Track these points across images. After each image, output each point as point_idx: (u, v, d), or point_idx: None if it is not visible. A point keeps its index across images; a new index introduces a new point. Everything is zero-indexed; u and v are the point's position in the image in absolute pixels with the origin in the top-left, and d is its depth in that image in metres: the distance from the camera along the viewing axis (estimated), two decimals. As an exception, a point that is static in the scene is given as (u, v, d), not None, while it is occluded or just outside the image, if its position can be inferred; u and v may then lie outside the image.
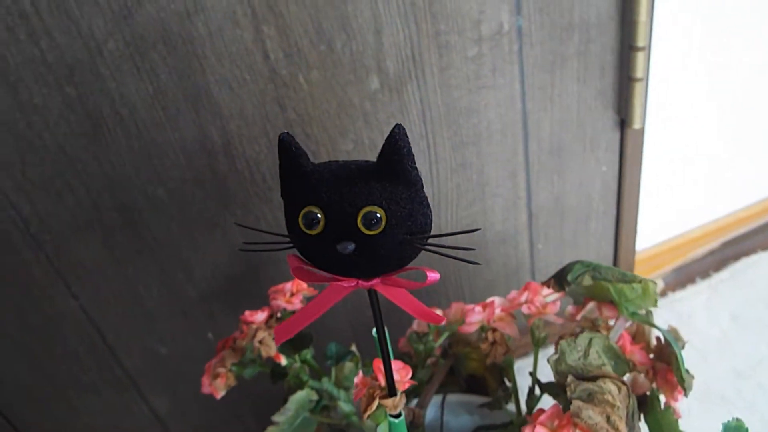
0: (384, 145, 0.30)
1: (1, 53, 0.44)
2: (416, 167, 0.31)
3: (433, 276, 0.32)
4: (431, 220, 0.33)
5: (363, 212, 0.30)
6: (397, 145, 0.30)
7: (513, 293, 0.48)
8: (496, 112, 0.63)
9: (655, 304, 0.43)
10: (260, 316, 0.45)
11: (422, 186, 0.32)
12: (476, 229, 0.33)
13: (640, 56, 0.60)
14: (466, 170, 0.65)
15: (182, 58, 0.49)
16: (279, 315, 0.46)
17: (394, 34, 0.54)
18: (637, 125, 0.64)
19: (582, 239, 0.78)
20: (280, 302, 0.44)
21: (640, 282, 0.42)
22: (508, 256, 0.73)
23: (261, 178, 0.57)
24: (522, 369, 0.52)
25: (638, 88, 0.62)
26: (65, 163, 0.50)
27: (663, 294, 0.91)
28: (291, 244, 0.32)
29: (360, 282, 0.32)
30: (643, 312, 0.45)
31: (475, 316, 0.47)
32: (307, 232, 0.30)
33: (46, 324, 0.57)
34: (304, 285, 0.46)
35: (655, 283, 0.42)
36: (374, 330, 0.35)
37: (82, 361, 0.61)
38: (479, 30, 0.57)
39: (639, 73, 0.61)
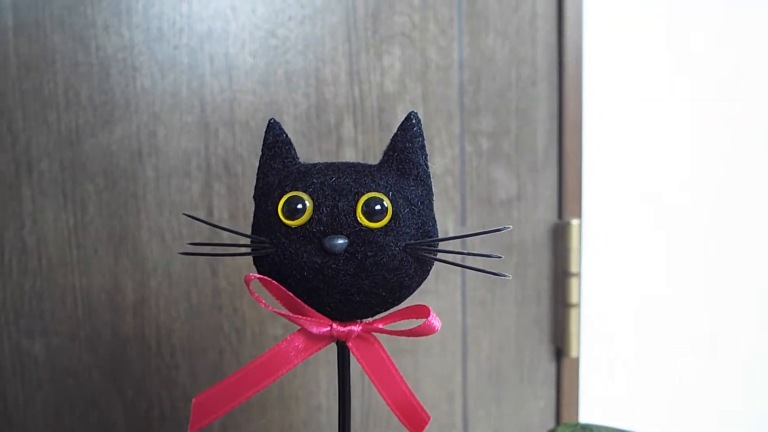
0: (396, 133, 0.27)
1: None
2: (428, 166, 0.27)
3: (433, 322, 0.25)
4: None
5: (365, 198, 0.24)
6: (412, 131, 0.26)
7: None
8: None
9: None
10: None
11: (433, 195, 0.28)
12: (506, 228, 0.27)
13: (574, 282, 0.61)
14: (400, 382, 0.58)
15: (119, 196, 0.45)
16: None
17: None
18: (573, 354, 0.63)
19: (520, 492, 0.68)
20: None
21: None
22: (440, 500, 0.62)
23: (169, 352, 0.48)
24: None
25: (573, 314, 0.62)
26: (-71, 288, 0.40)
27: None
28: (258, 252, 0.25)
29: (334, 326, 0.24)
30: None
31: None
32: (288, 223, 0.24)
33: None
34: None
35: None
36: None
37: None
38: (426, 232, 0.58)
39: (574, 298, 0.62)
